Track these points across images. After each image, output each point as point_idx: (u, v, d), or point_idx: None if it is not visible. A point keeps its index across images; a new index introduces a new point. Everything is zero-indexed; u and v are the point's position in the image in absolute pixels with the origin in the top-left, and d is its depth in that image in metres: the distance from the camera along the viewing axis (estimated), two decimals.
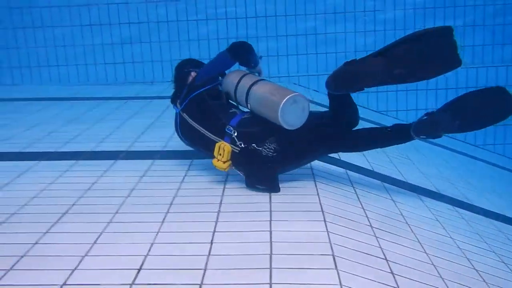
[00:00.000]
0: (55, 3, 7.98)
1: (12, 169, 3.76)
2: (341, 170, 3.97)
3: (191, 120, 3.42)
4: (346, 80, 3.20)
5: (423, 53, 3.15)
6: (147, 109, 6.02)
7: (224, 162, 3.23)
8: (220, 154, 3.23)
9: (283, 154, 3.24)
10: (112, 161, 3.93)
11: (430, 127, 3.30)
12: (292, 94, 3.09)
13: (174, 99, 3.62)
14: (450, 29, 3.17)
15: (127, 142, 4.48)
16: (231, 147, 3.23)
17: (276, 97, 3.11)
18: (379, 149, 4.22)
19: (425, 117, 3.32)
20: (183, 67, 3.73)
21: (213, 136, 3.30)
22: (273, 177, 3.27)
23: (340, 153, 4.15)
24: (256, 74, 3.59)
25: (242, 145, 3.21)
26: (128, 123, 5.26)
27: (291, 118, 3.09)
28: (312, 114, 3.25)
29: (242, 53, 3.53)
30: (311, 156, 3.48)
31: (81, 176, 3.60)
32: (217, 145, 3.25)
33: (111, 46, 8.03)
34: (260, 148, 3.21)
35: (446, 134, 3.42)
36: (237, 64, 3.57)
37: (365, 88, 3.22)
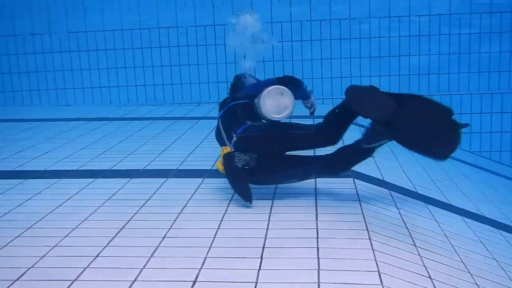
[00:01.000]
0: (108, 27, 8.35)
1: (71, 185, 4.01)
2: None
3: (220, 125, 3.73)
4: (362, 100, 3.23)
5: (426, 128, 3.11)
6: (196, 128, 6.24)
7: (222, 164, 3.49)
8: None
9: (252, 169, 3.45)
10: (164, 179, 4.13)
11: (372, 135, 3.30)
12: (285, 88, 3.36)
13: (222, 105, 3.90)
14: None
15: (178, 160, 4.67)
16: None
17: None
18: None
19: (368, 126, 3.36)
20: (240, 79, 4.04)
21: (227, 142, 3.58)
22: (242, 186, 3.44)
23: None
24: (308, 105, 3.97)
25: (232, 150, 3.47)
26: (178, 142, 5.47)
27: (270, 104, 3.39)
28: (293, 126, 3.50)
29: (288, 83, 3.74)
30: (284, 176, 3.57)
31: (135, 193, 3.80)
32: (222, 148, 3.54)
33: (160, 68, 8.33)
34: (237, 158, 3.44)
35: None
36: None
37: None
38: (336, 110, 3.42)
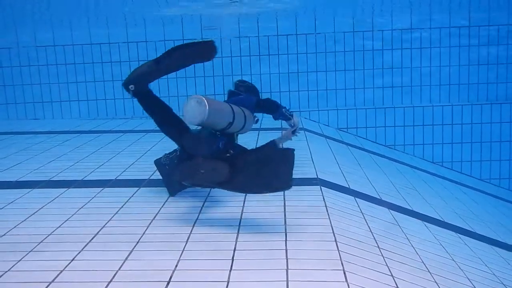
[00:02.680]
0: (77, 41, 8.41)
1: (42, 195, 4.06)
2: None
3: None
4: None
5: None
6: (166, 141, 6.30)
7: None
8: None
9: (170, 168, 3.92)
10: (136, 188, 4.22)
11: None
12: (203, 98, 3.62)
13: None
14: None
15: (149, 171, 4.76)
16: None
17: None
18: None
19: None
20: (237, 88, 4.51)
21: None
22: (170, 182, 3.93)
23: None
24: (291, 125, 4.40)
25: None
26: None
27: (188, 111, 3.65)
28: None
29: (264, 107, 4.34)
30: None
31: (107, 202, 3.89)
32: None
33: None
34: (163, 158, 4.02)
35: None
36: None
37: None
38: None
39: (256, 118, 4.30)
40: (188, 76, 8.29)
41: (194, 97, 3.68)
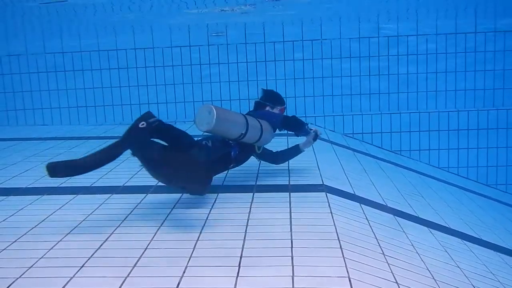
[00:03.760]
0: (85, 48, 8.50)
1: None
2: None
3: None
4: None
5: None
6: None
7: None
8: None
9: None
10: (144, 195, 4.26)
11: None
12: (213, 107, 3.91)
13: None
14: None
15: None
16: None
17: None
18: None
19: None
20: (266, 100, 4.73)
21: None
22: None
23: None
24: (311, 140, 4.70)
25: None
26: None
27: (198, 118, 3.97)
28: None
29: (290, 125, 4.59)
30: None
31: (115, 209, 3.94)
32: None
33: (136, 88, 8.49)
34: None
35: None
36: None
37: None
38: None
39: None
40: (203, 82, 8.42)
41: (206, 106, 3.98)
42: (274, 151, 4.81)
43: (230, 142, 4.24)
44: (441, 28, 8.24)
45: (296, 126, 4.61)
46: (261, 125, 4.30)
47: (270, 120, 4.45)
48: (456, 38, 8.24)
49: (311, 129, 4.69)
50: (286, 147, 5.05)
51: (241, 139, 4.20)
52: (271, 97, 4.78)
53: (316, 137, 4.73)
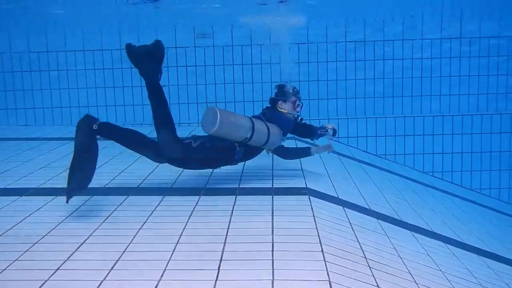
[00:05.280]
0: (70, 47, 8.41)
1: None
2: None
3: None
4: None
5: None
6: None
7: None
8: None
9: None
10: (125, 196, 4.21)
11: None
12: (218, 110, 4.03)
13: None
14: None
15: (139, 179, 4.75)
16: None
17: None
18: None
19: None
20: (278, 95, 4.75)
21: None
22: None
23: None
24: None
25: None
26: None
27: (204, 119, 4.13)
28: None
29: (302, 133, 4.77)
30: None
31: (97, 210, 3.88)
32: None
33: (121, 89, 8.40)
34: None
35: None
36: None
37: None
38: None
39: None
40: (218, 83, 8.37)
41: (212, 109, 4.10)
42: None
43: (235, 144, 4.29)
44: (426, 33, 8.28)
45: (306, 133, 4.73)
46: (268, 129, 4.36)
47: (280, 124, 4.51)
48: (442, 44, 8.28)
49: (325, 131, 4.68)
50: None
51: (246, 142, 4.28)
52: (281, 92, 4.77)
53: (329, 150, 4.91)
